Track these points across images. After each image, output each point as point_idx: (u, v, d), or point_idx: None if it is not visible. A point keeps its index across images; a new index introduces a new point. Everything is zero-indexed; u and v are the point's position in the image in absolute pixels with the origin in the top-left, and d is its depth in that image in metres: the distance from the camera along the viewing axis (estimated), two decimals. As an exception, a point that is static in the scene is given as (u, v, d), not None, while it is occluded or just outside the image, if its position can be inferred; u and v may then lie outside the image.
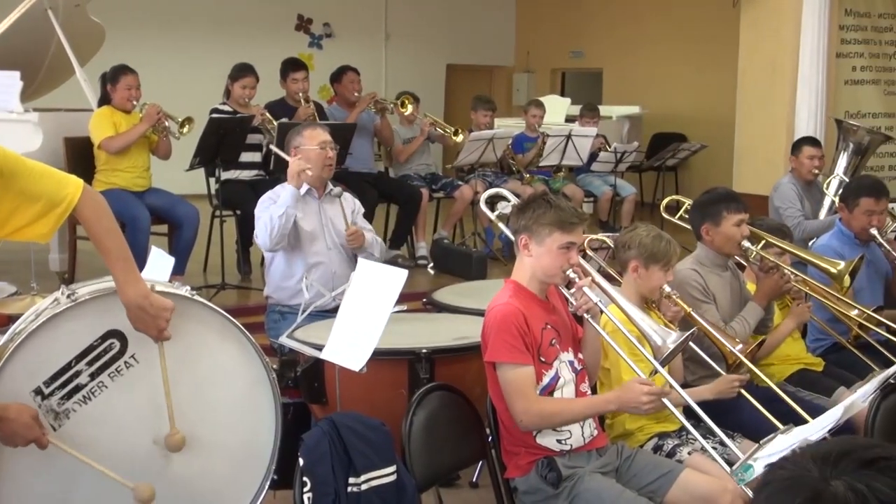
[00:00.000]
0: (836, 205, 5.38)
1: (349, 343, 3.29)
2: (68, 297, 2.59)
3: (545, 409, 3.07)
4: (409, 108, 7.86)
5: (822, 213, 6.35)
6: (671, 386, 3.21)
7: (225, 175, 6.63)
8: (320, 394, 3.69)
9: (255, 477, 2.86)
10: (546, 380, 3.13)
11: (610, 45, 12.66)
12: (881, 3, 8.05)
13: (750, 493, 3.00)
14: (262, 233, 4.55)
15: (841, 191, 5.33)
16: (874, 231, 4.78)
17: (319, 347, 3.43)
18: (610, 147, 8.64)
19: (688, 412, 3.20)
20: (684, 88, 11.59)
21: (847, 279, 4.20)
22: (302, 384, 3.71)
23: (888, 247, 4.82)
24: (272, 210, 4.54)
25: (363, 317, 3.31)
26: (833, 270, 4.23)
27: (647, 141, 11.28)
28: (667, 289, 3.62)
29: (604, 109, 10.16)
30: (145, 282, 2.59)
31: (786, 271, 4.02)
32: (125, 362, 2.63)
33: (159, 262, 3.67)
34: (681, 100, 11.62)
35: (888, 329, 4.26)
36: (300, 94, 7.22)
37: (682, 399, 3.17)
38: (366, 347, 3.24)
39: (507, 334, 3.05)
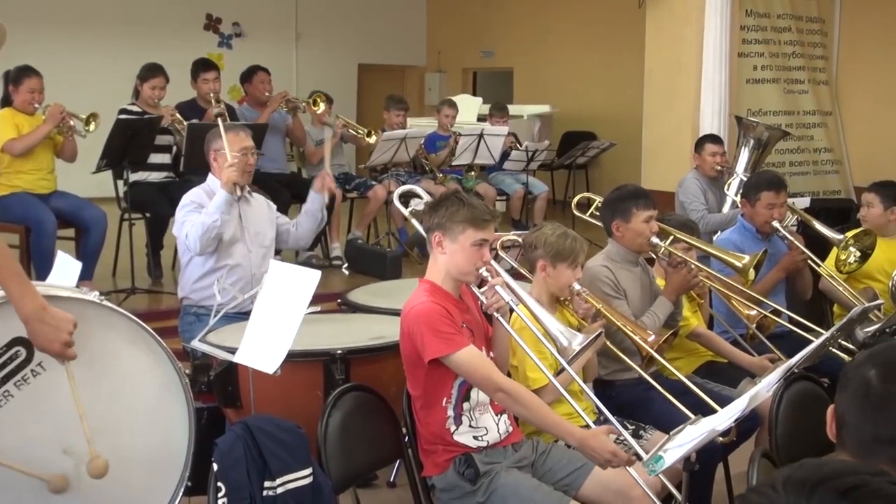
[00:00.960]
0: (738, 201, 5.53)
1: (263, 346, 3.25)
2: (-30, 305, 2.51)
3: (520, 396, 3.06)
4: (322, 107, 7.81)
5: (726, 208, 6.52)
6: (582, 390, 3.26)
7: (133, 177, 6.49)
8: (234, 397, 3.64)
9: (169, 484, 2.81)
10: (462, 378, 3.14)
11: (519, 45, 12.77)
12: (779, 4, 8.28)
13: (666, 481, 3.07)
14: (194, 237, 4.48)
15: (742, 186, 5.47)
16: (776, 224, 4.92)
17: (233, 350, 3.39)
18: (521, 146, 8.71)
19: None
20: (593, 87, 11.75)
21: (752, 272, 4.32)
22: (216, 388, 3.66)
23: (791, 237, 4.96)
24: (204, 216, 4.46)
25: (276, 319, 3.28)
26: (738, 264, 4.34)
27: (557, 139, 11.40)
28: (576, 286, 3.66)
29: (515, 109, 10.23)
30: (41, 295, 2.50)
31: (693, 266, 4.11)
32: (32, 370, 2.56)
33: (66, 267, 3.57)
34: (590, 99, 11.77)
35: (792, 321, 4.39)
36: (211, 95, 7.12)
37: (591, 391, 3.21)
38: (280, 349, 3.21)
39: (438, 325, 3.04)
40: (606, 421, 3.30)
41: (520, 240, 4.36)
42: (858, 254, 5.10)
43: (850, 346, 4.31)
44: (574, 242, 3.67)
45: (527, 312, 3.29)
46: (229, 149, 4.63)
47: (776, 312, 4.51)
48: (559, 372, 3.27)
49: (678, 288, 4.12)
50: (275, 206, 4.96)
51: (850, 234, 5.15)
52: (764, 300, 4.55)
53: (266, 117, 7.38)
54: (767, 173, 5.42)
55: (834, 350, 4.20)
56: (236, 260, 4.60)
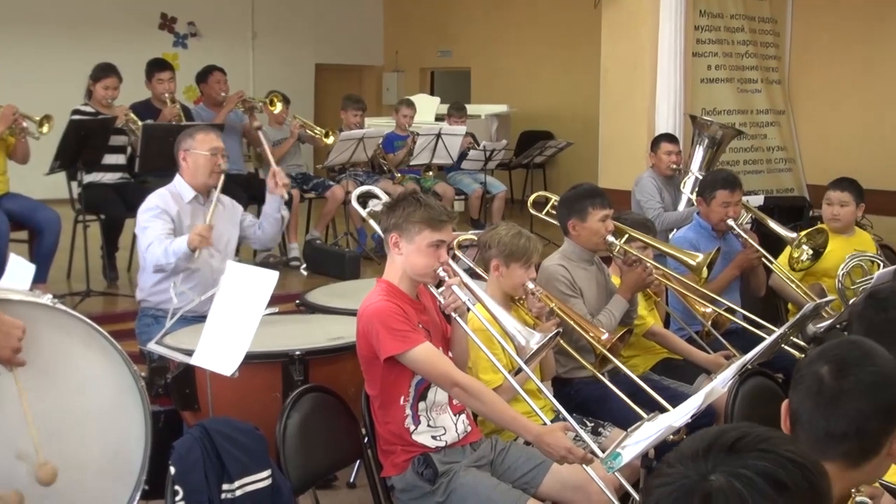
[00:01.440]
0: (694, 200, 5.58)
1: (220, 347, 3.23)
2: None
3: (476, 390, 3.07)
4: (279, 107, 7.75)
5: (681, 206, 6.58)
6: (540, 390, 3.28)
7: (87, 178, 6.40)
8: (192, 400, 3.61)
9: (126, 488, 2.78)
10: (419, 377, 3.14)
11: (477, 44, 12.79)
12: (732, 4, 8.37)
13: (623, 480, 3.09)
14: (151, 260, 4.38)
15: (698, 185, 5.52)
16: (731, 222, 4.98)
17: (190, 353, 3.36)
18: (479, 145, 8.73)
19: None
20: (550, 87, 11.80)
21: (705, 271, 4.37)
22: (173, 391, 3.63)
23: (745, 235, 5.02)
24: (162, 253, 4.35)
25: (234, 320, 3.26)
26: (692, 262, 4.39)
27: (515, 139, 11.44)
28: (530, 285, 3.67)
29: (472, 108, 10.25)
30: None
31: (648, 264, 4.15)
32: (-19, 376, 2.52)
33: (19, 271, 3.51)
34: (547, 98, 11.82)
35: (746, 319, 4.44)
36: (166, 95, 7.05)
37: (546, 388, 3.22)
38: (237, 351, 3.19)
39: (393, 322, 3.04)
40: (564, 419, 3.32)
41: (476, 239, 4.37)
42: (811, 252, 5.16)
43: (802, 343, 4.38)
44: (528, 242, 3.67)
45: (484, 312, 3.30)
46: (199, 148, 4.56)
47: (730, 310, 4.57)
48: (517, 372, 3.28)
49: (633, 286, 4.15)
50: (240, 208, 4.90)
51: (803, 232, 5.21)
52: (718, 298, 4.60)
53: (222, 118, 7.32)
54: (722, 172, 5.48)
55: (787, 347, 4.26)
56: (197, 263, 4.55)
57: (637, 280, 4.13)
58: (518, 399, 3.43)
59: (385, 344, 3.05)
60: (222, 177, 4.62)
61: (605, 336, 3.75)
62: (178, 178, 4.64)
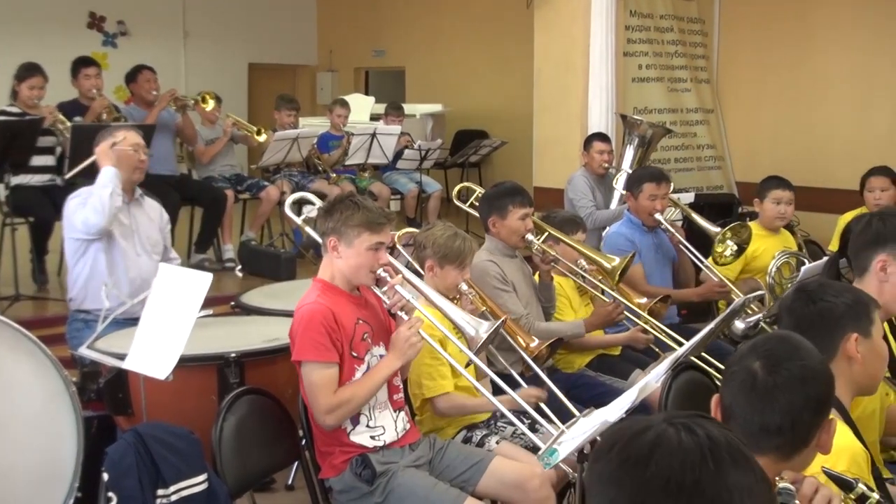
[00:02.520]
0: (624, 195, 5.65)
1: (154, 351, 3.18)
2: None
3: (342, 398, 3.06)
4: (211, 104, 7.66)
5: (614, 203, 6.65)
6: (493, 381, 3.28)
7: (15, 180, 6.26)
8: (125, 405, 3.56)
9: (57, 496, 2.73)
10: (358, 374, 3.13)
11: (411, 44, 12.78)
12: (662, 4, 8.48)
13: (568, 468, 3.12)
14: (95, 214, 4.31)
15: (626, 181, 5.60)
16: (658, 216, 5.04)
17: (122, 357, 3.30)
18: (414, 145, 8.73)
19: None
20: (484, 86, 11.84)
21: (618, 275, 4.38)
22: (105, 396, 3.57)
23: (671, 229, 5.09)
24: (98, 192, 4.30)
25: (167, 323, 3.21)
26: (608, 266, 4.39)
27: (450, 138, 11.45)
28: (463, 287, 3.67)
29: (407, 108, 10.24)
30: None
31: (562, 263, 4.21)
32: None
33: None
34: (481, 98, 11.86)
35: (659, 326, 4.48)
36: (94, 91, 6.92)
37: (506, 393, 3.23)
38: (171, 354, 3.15)
39: (313, 332, 3.03)
40: (502, 416, 3.34)
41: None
42: (735, 247, 5.24)
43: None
44: (463, 244, 3.67)
45: (430, 309, 3.31)
46: (121, 145, 4.49)
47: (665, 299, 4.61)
48: (468, 364, 3.29)
49: (598, 323, 4.29)
50: (167, 217, 4.83)
51: (726, 228, 5.29)
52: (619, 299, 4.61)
53: (154, 117, 7.21)
54: (650, 167, 5.56)
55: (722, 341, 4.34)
56: (125, 264, 4.47)
57: (606, 317, 4.26)
58: (466, 390, 3.47)
59: (299, 346, 3.06)
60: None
61: (533, 344, 3.78)
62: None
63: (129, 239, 4.53)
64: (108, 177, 4.37)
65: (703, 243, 5.31)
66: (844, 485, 1.89)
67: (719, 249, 5.22)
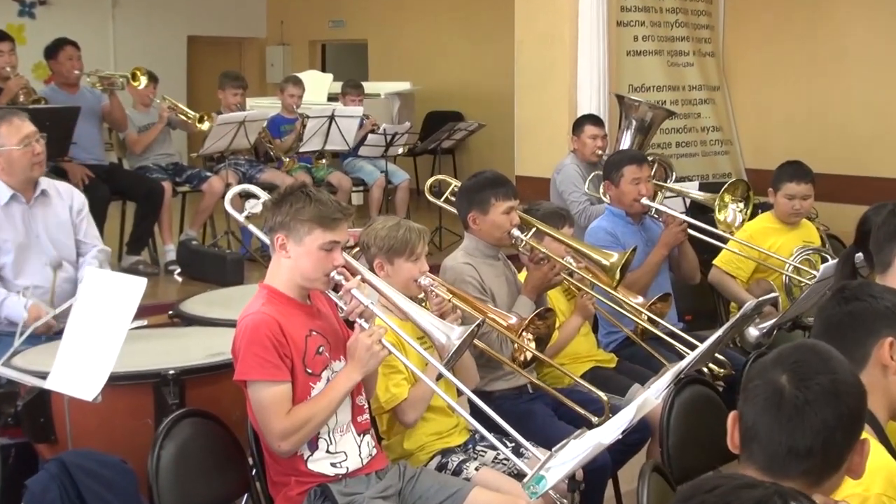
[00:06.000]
0: (602, 187, 5.57)
1: (79, 368, 3.17)
2: None
3: (296, 420, 3.05)
4: (143, 81, 7.62)
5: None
6: (468, 398, 3.28)
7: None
8: (47, 431, 3.54)
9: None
10: (315, 393, 3.12)
11: (374, 14, 12.78)
12: (660, -33, 8.51)
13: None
14: None
15: (603, 168, 5.54)
16: (645, 200, 5.02)
17: (44, 375, 3.29)
18: (379, 129, 8.72)
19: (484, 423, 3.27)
20: (459, 62, 11.85)
21: (618, 274, 4.35)
22: (24, 421, 3.54)
23: (666, 209, 5.07)
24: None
25: (95, 336, 3.20)
26: (605, 262, 4.36)
27: (420, 121, 11.46)
28: (423, 280, 3.66)
29: (370, 86, 10.24)
30: None
31: (558, 262, 4.17)
32: None
33: None
34: (456, 75, 11.87)
35: (666, 329, 4.49)
36: (8, 69, 6.87)
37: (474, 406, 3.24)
38: (100, 372, 3.13)
39: (257, 347, 3.02)
40: (482, 438, 3.34)
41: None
42: (741, 205, 5.25)
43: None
44: (408, 233, 3.64)
45: (391, 316, 3.30)
46: (8, 142, 4.37)
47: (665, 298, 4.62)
48: (438, 378, 3.29)
49: (538, 286, 4.18)
50: (81, 200, 4.73)
51: (720, 192, 5.27)
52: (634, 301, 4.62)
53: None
54: (627, 150, 5.53)
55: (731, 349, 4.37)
56: (30, 280, 4.38)
57: (542, 279, 4.15)
58: (429, 418, 3.46)
59: (242, 363, 3.06)
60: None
61: (513, 320, 3.76)
62: None
63: (31, 250, 4.44)
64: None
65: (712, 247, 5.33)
66: None
67: (722, 217, 5.24)
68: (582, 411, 3.67)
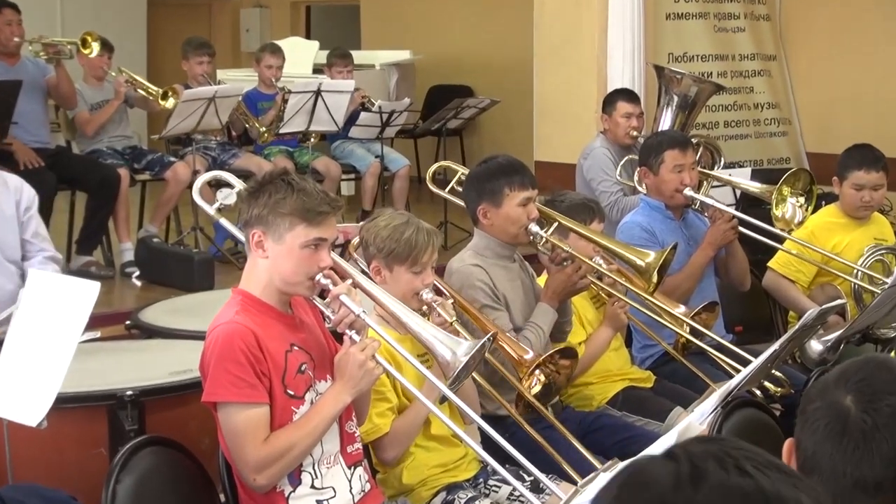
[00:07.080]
0: (637, 174, 5.56)
1: (20, 389, 3.18)
2: None
3: (275, 449, 3.06)
4: (95, 48, 7.62)
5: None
6: (456, 434, 3.28)
7: None
8: (-18, 462, 3.55)
9: None
10: (298, 415, 3.13)
11: (368, -31, 12.80)
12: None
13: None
14: None
15: (639, 154, 5.50)
16: (689, 191, 5.00)
17: (-21, 397, 3.30)
18: (374, 106, 8.72)
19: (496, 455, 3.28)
20: (468, 28, 11.85)
21: (655, 276, 4.29)
22: (-44, 450, 3.56)
23: (713, 203, 5.05)
24: None
25: (39, 350, 3.21)
26: (640, 263, 4.30)
27: (421, 97, 11.47)
28: (426, 295, 3.63)
29: (363, 56, 10.25)
30: None
31: (584, 263, 4.14)
32: None
33: None
34: (464, 43, 11.86)
35: (712, 342, 4.49)
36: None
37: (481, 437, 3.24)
38: (45, 394, 3.14)
39: (229, 363, 3.03)
40: (494, 472, 3.34)
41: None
42: (802, 200, 5.26)
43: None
44: (414, 237, 3.59)
45: (386, 328, 3.31)
46: None
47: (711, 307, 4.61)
48: (442, 401, 3.29)
49: (560, 291, 4.15)
50: (30, 195, 4.76)
51: (778, 184, 5.26)
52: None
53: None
54: (668, 131, 5.52)
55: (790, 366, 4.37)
56: None
57: (565, 283, 4.12)
58: (431, 448, 3.47)
59: (211, 382, 3.06)
60: None
61: (529, 355, 3.76)
62: None
63: None
64: None
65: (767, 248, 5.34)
66: None
67: (779, 213, 5.23)
68: (589, 457, 3.62)
